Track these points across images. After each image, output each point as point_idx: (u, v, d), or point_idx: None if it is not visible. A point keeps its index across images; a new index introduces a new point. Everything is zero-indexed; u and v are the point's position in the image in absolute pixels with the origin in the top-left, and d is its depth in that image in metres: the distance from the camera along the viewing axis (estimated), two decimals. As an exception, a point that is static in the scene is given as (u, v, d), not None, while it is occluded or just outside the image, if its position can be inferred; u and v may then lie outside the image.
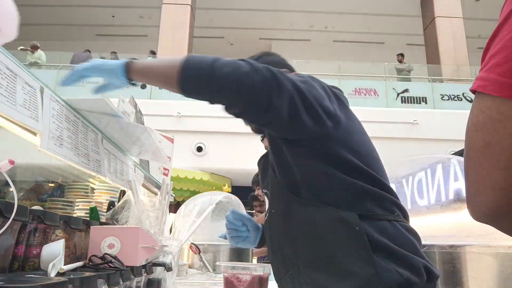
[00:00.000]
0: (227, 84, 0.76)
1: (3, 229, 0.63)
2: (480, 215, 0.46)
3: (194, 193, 7.22)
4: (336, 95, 0.94)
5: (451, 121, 8.03)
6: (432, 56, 10.94)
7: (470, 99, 8.88)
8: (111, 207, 1.39)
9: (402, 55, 10.11)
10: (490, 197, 0.43)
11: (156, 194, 1.84)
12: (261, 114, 0.78)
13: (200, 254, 2.04)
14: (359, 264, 0.77)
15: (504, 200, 0.43)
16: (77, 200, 1.63)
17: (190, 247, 2.05)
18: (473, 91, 0.46)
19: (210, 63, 0.76)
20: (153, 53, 10.08)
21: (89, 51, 10.29)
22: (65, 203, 1.55)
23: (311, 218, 0.85)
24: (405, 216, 0.90)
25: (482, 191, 0.44)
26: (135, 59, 0.89)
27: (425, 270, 0.79)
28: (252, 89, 0.75)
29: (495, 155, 0.43)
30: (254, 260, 3.33)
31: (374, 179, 0.87)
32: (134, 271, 0.90)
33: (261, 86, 0.75)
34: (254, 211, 4.49)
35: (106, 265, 0.83)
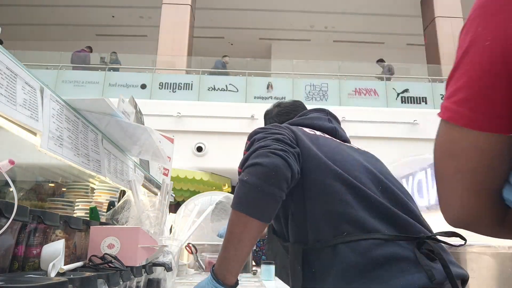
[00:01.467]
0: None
1: (3, 229, 0.63)
2: (452, 223, 0.55)
3: (194, 193, 7.22)
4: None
5: (451, 121, 8.01)
6: (432, 56, 10.94)
7: (470, 99, 8.86)
8: (111, 207, 1.39)
9: (381, 60, 10.27)
10: (459, 213, 0.52)
11: (156, 194, 1.84)
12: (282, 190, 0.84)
13: (196, 254, 2.04)
14: None
15: (471, 214, 0.51)
16: (77, 200, 1.63)
17: (186, 247, 2.05)
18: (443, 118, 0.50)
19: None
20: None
21: (90, 47, 10.28)
22: (65, 203, 1.55)
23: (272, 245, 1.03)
24: (362, 226, 0.82)
25: (453, 208, 0.53)
26: None
27: None
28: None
29: (467, 180, 0.49)
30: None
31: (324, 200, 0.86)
32: (134, 271, 0.90)
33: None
34: None
35: (106, 265, 0.83)
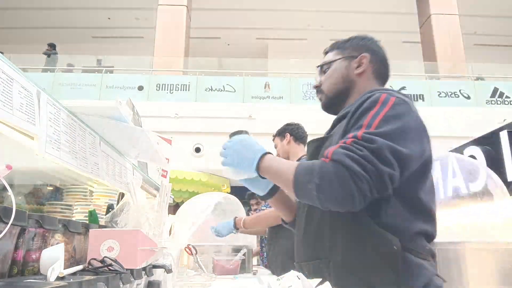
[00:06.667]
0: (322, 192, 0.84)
1: (1, 234, 0.62)
2: None
3: (193, 194, 7.21)
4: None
5: (449, 118, 8.04)
6: (429, 53, 10.96)
7: (466, 96, 8.89)
8: (110, 210, 1.38)
9: None
10: None
11: (155, 196, 1.84)
12: (361, 201, 0.82)
13: (196, 255, 2.04)
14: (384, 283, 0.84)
15: None
16: (75, 203, 1.63)
17: (186, 248, 2.04)
18: None
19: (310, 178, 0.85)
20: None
21: (52, 45, 10.20)
22: (64, 207, 1.55)
23: (361, 230, 0.89)
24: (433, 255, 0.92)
25: None
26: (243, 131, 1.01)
27: None
28: (338, 192, 0.82)
29: None
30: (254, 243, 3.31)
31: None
32: (134, 273, 0.90)
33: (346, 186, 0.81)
34: (251, 210, 4.50)
35: (105, 268, 0.83)
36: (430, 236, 0.92)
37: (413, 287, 0.84)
